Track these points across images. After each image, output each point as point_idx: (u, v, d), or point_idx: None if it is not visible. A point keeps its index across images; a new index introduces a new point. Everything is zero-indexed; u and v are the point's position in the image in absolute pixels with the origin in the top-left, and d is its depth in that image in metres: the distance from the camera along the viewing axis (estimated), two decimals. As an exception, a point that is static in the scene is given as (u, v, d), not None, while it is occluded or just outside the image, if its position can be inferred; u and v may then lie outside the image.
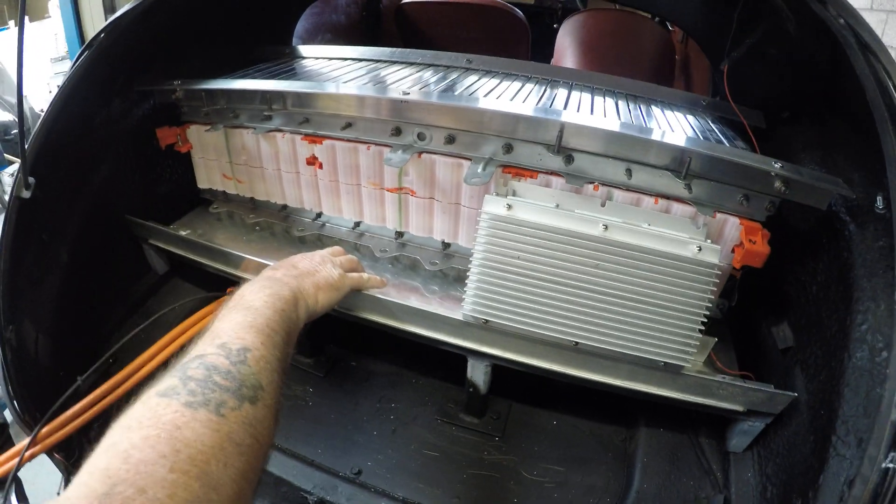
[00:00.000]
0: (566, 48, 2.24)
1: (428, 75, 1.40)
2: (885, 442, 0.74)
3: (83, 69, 1.18)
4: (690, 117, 1.30)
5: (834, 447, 0.89)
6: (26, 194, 1.09)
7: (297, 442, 1.21)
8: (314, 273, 1.00)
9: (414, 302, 1.21)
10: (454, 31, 2.54)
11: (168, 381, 0.62)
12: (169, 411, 0.57)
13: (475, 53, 1.57)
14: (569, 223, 1.01)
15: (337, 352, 1.42)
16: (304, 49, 1.67)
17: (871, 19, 2.86)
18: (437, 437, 1.24)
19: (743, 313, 1.23)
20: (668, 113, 1.31)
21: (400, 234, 1.32)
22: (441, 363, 1.22)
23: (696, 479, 1.15)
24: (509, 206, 1.03)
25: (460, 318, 1.11)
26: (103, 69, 1.22)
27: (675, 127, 1.22)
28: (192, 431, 0.55)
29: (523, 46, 2.44)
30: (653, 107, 1.34)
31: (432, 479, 1.17)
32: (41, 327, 1.17)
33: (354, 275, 1.10)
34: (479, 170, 1.10)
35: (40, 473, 1.15)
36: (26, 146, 1.09)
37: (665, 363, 1.05)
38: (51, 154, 1.15)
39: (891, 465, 0.73)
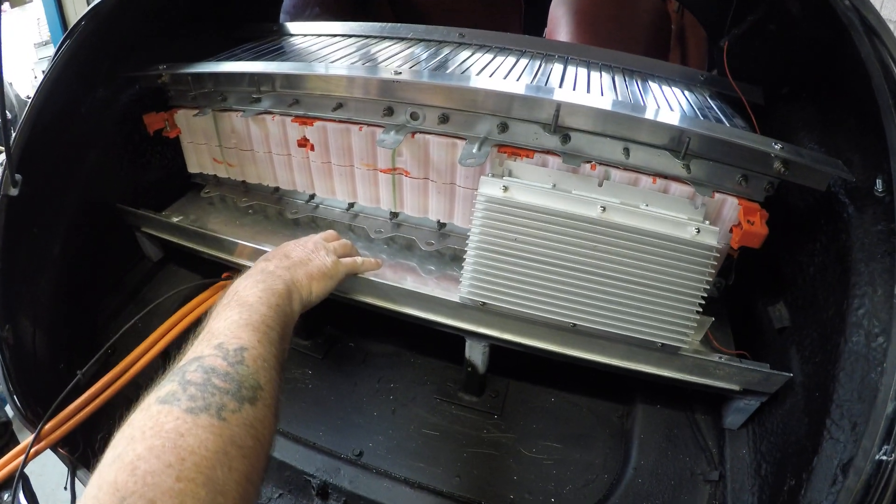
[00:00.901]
0: (560, 17, 2.15)
1: (420, 51, 1.34)
2: (880, 434, 0.73)
3: (65, 59, 1.12)
4: (688, 93, 1.25)
5: (828, 430, 0.88)
6: (14, 192, 1.05)
7: (299, 425, 1.19)
8: (307, 262, 0.97)
9: (410, 283, 1.18)
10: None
11: (168, 385, 0.60)
12: (171, 419, 0.56)
13: (467, 22, 1.50)
14: (566, 205, 0.97)
15: (334, 333, 1.39)
16: (291, 26, 1.60)
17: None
18: (436, 416, 1.22)
19: (740, 291, 1.21)
20: (666, 89, 1.25)
21: (395, 215, 1.28)
22: (439, 342, 1.20)
23: (692, 455, 1.14)
24: (505, 188, 0.99)
25: (457, 301, 1.08)
26: (86, 57, 1.17)
27: (672, 104, 1.17)
28: (196, 438, 0.55)
29: (516, 15, 2.35)
30: (650, 82, 1.28)
31: (433, 458, 1.16)
32: (38, 322, 1.14)
33: (348, 260, 1.07)
34: (475, 150, 1.06)
35: (47, 464, 1.14)
36: (11, 142, 1.04)
37: (663, 344, 1.03)
38: (37, 148, 1.10)
39: (884, 458, 0.71)
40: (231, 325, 0.71)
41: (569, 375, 1.26)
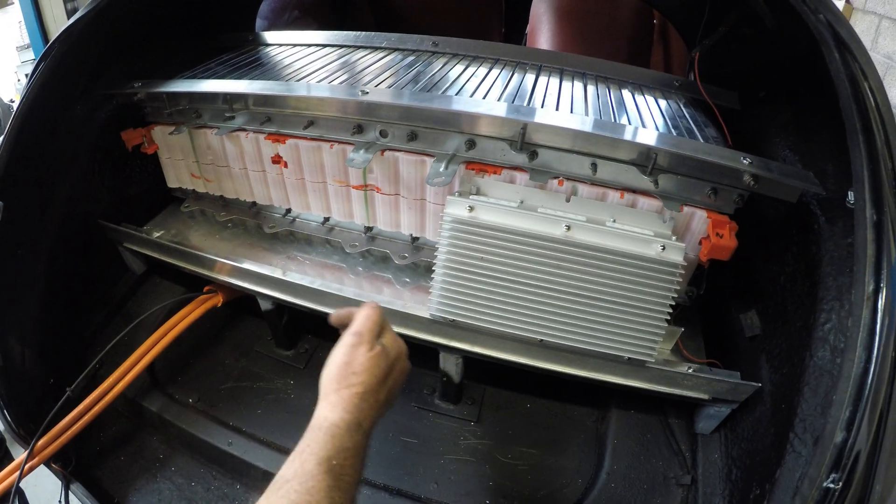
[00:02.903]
0: (541, 14, 2.08)
1: (393, 63, 1.30)
2: (827, 463, 0.71)
3: (41, 82, 1.11)
4: (662, 102, 1.20)
5: (791, 444, 0.86)
6: None
7: (281, 435, 1.20)
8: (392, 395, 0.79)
9: (387, 294, 1.17)
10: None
11: None
12: None
13: (448, 21, 1.45)
14: (531, 224, 0.95)
15: (315, 342, 1.39)
16: (267, 35, 1.55)
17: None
18: (414, 424, 1.22)
19: (713, 298, 1.19)
20: (640, 98, 1.21)
21: (369, 229, 1.26)
22: (416, 351, 1.18)
23: (665, 459, 1.14)
24: (471, 208, 0.97)
25: (428, 317, 1.07)
26: (62, 78, 1.15)
27: (644, 116, 1.13)
28: None
29: (497, 13, 2.26)
30: (624, 91, 1.24)
31: (411, 465, 1.16)
32: (26, 341, 1.15)
33: (401, 347, 0.83)
34: (442, 169, 1.03)
35: (41, 478, 1.16)
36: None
37: (629, 358, 1.02)
38: (17, 172, 1.09)
39: (831, 486, 0.70)
40: None
41: (544, 382, 1.24)
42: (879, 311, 0.75)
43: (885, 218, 0.78)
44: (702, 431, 1.13)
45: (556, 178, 1.04)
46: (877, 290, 0.77)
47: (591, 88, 1.21)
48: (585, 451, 1.19)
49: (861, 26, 2.34)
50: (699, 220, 1.02)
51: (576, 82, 1.24)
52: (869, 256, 0.78)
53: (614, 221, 0.98)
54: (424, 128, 1.06)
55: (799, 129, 1.10)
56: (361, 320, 0.79)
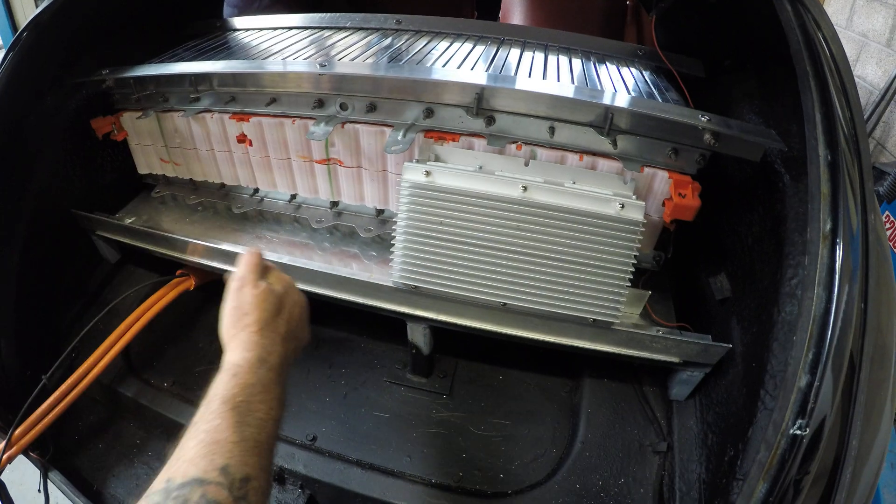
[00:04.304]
0: (513, -4, 2.05)
1: (356, 40, 1.27)
2: (791, 408, 0.66)
3: (9, 72, 1.09)
4: (625, 69, 1.16)
5: (762, 401, 0.82)
6: None
7: (254, 415, 1.16)
8: (291, 329, 0.78)
9: (354, 268, 1.13)
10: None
11: None
12: None
13: (422, 7, 1.42)
14: (488, 186, 0.92)
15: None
16: (235, 21, 1.53)
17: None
18: (386, 398, 1.18)
19: (684, 263, 1.14)
20: (602, 67, 1.17)
21: (335, 204, 1.22)
22: (387, 325, 1.16)
23: (640, 427, 1.09)
24: (427, 173, 0.93)
25: (391, 285, 1.04)
26: (30, 68, 1.13)
27: (604, 81, 1.09)
28: None
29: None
30: (587, 60, 1.20)
31: (384, 439, 1.12)
32: (2, 332, 1.12)
33: (282, 277, 0.83)
34: (399, 137, 1.00)
35: (25, 473, 1.12)
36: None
37: (594, 320, 0.97)
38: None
39: (798, 432, 0.65)
40: (245, 448, 0.59)
41: (517, 354, 1.21)
42: (839, 250, 0.71)
43: (840, 158, 0.75)
44: (676, 398, 1.08)
45: (514, 142, 1.00)
46: (834, 230, 0.73)
47: (552, 58, 1.18)
48: (560, 421, 1.14)
49: (836, 5, 2.29)
50: (661, 180, 0.98)
51: (537, 53, 1.20)
52: (824, 195, 0.74)
53: (574, 183, 0.94)
54: (382, 98, 1.02)
55: (763, 94, 1.06)
56: (241, 267, 0.80)
